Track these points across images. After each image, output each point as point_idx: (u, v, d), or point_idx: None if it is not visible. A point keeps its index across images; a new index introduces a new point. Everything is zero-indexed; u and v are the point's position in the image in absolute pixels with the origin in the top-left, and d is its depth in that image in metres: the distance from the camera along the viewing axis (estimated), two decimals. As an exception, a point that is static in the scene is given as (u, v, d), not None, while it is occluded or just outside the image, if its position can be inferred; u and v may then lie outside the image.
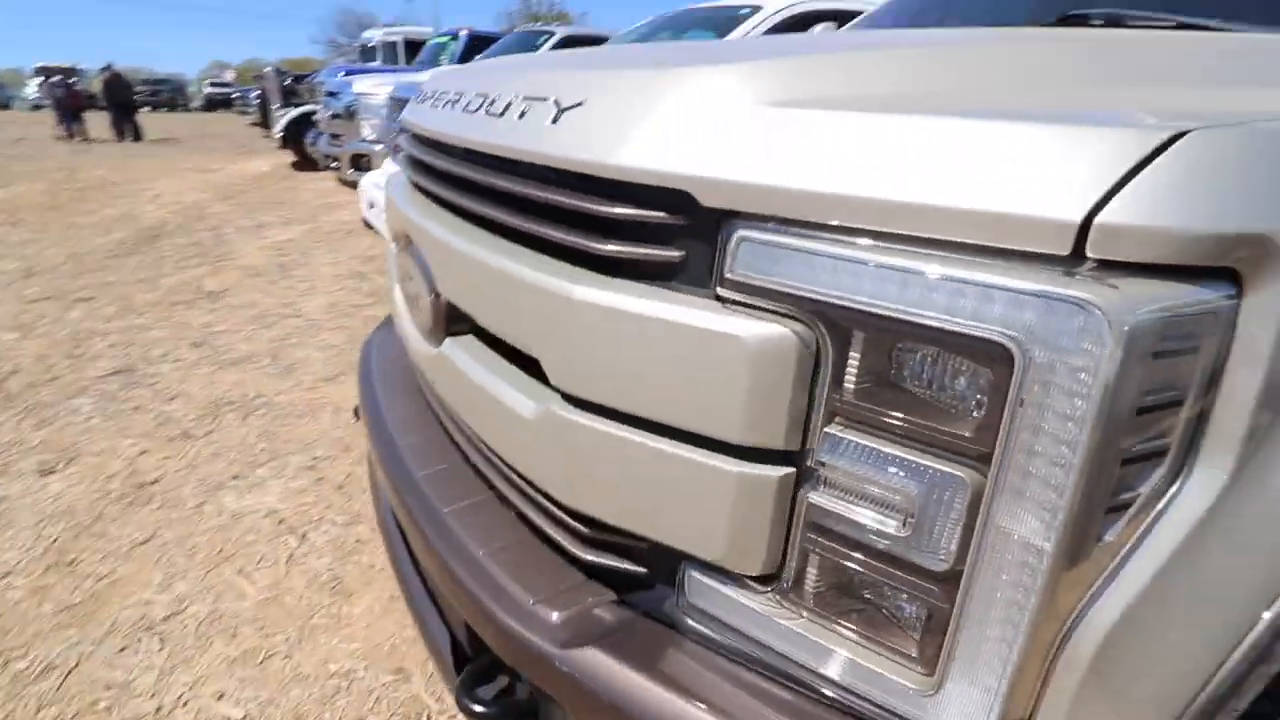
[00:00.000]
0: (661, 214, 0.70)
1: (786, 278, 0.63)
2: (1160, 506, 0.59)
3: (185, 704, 1.72)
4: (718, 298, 0.68)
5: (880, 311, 0.58)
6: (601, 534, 0.84)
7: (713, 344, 0.66)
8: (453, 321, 1.05)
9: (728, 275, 0.66)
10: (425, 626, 1.17)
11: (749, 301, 0.66)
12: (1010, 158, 0.54)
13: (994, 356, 0.54)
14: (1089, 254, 0.52)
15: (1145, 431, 0.55)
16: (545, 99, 0.87)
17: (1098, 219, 0.51)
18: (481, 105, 1.01)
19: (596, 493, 0.79)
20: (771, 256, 0.64)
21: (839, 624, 0.69)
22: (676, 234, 0.71)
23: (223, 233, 6.53)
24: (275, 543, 2.34)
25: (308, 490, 2.64)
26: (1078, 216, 0.51)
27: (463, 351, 1.02)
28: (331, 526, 2.43)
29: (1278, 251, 0.53)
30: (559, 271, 0.77)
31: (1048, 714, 0.62)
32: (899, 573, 0.63)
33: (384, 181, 1.61)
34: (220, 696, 1.75)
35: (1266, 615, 0.62)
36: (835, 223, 0.61)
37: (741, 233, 0.65)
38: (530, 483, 0.90)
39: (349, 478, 2.73)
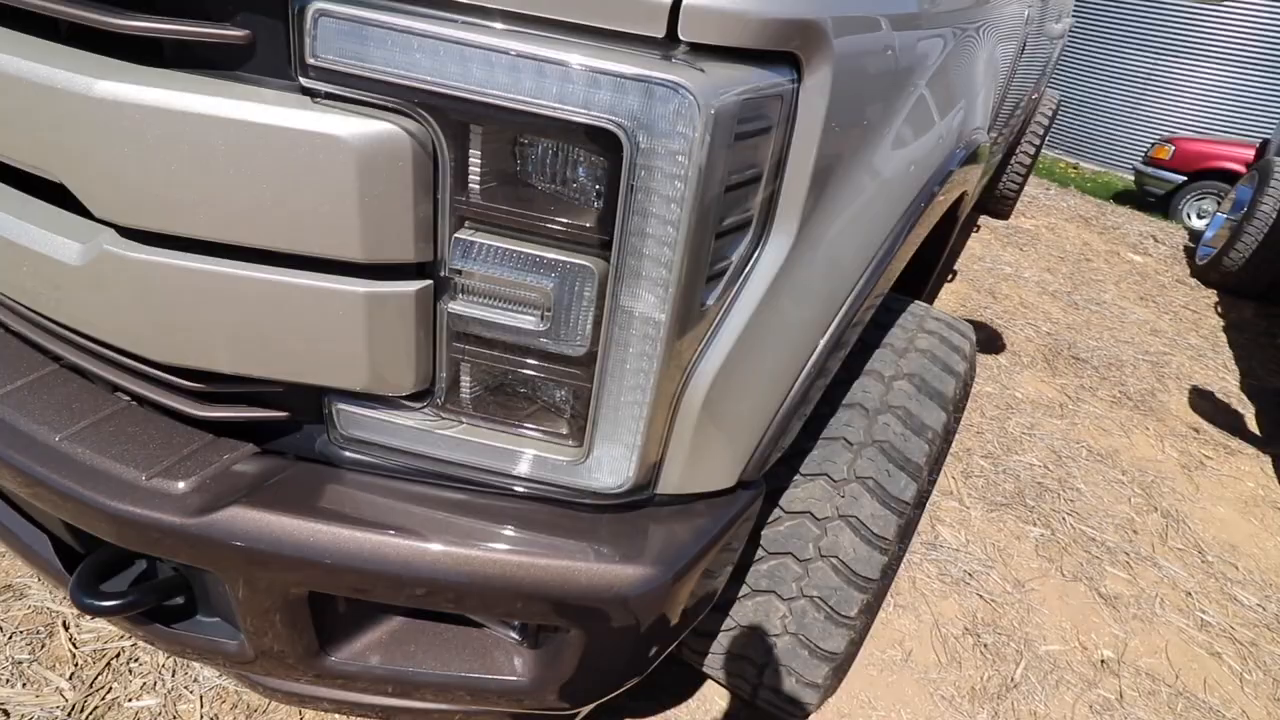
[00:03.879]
0: (201, -28, 0.53)
1: (383, 63, 0.54)
2: (747, 269, 0.69)
3: None
4: (304, 90, 0.56)
5: (491, 100, 0.54)
6: (220, 385, 0.72)
7: (308, 148, 0.55)
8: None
9: (310, 60, 0.54)
10: (12, 536, 0.94)
11: (343, 93, 0.55)
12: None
13: (604, 144, 0.54)
14: (681, 36, 0.53)
15: (733, 206, 0.62)
16: None
17: (686, 1, 0.51)
18: None
19: (197, 341, 0.66)
20: (360, 36, 0.53)
21: (496, 422, 0.72)
22: (232, 6, 0.55)
23: None
24: None
25: None
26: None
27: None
28: None
29: (826, 38, 0.60)
30: (65, 60, 0.56)
31: (675, 454, 0.74)
32: (544, 363, 0.66)
33: None
34: None
35: (822, 341, 0.81)
36: (427, -5, 0.52)
37: (319, 5, 0.53)
38: (100, 342, 0.72)
39: None
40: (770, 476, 1.07)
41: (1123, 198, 6.76)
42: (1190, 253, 4.66)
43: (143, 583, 0.85)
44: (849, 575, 1.03)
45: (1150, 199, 6.64)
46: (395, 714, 0.96)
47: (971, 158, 1.19)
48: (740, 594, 1.10)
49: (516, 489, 0.75)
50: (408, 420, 0.73)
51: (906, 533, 1.07)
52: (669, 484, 0.77)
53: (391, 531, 0.70)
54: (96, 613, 0.79)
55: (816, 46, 0.60)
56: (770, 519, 1.07)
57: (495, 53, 0.53)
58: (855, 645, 1.11)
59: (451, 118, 0.56)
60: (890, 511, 1.03)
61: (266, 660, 0.81)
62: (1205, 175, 6.23)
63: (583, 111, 0.53)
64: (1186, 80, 7.35)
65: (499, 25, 0.53)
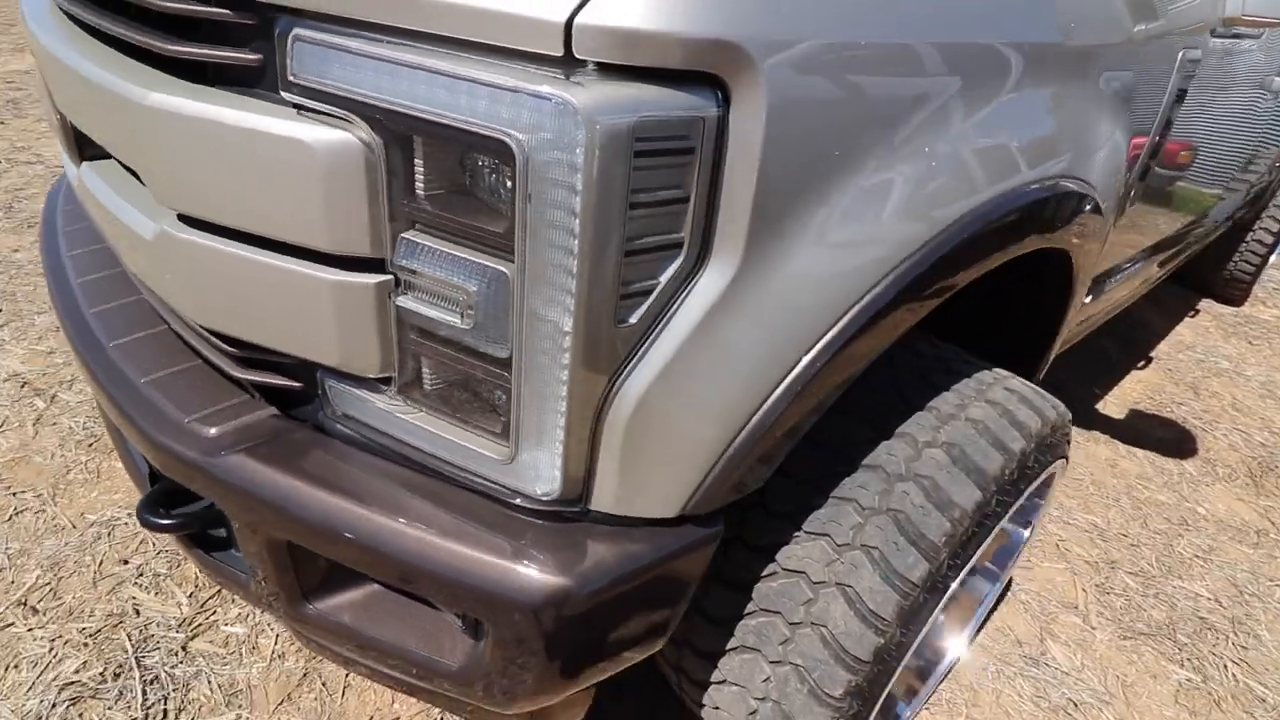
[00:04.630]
0: (225, 10, 0.66)
1: (338, 79, 0.63)
2: (684, 292, 0.69)
3: (-85, 566, 1.64)
4: (297, 107, 0.67)
5: (419, 113, 0.60)
6: (249, 351, 0.85)
7: (286, 151, 0.66)
8: (84, 144, 0.96)
9: (291, 78, 0.65)
10: (130, 458, 1.16)
11: (315, 106, 0.65)
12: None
13: (503, 154, 0.58)
14: (577, 55, 0.56)
15: (651, 226, 0.63)
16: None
17: (578, 20, 0.54)
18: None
19: (222, 310, 0.80)
20: (323, 56, 0.63)
21: (447, 413, 0.77)
22: (247, 34, 0.68)
23: (-71, 49, 5.26)
24: (19, 405, 2.16)
25: (57, 352, 2.41)
26: (560, 17, 0.54)
27: (96, 175, 0.94)
28: (87, 385, 2.26)
29: (751, 61, 0.59)
30: (135, 76, 0.72)
31: (605, 471, 0.75)
32: (475, 361, 0.71)
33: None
34: (-39, 554, 1.68)
35: (785, 382, 0.77)
36: (376, 22, 0.61)
37: (296, 31, 0.64)
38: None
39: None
40: (771, 529, 1.02)
41: None
42: None
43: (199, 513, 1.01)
44: (837, 650, 0.94)
45: None
46: (383, 680, 1.04)
47: (1065, 206, 1.05)
48: (729, 646, 1.05)
49: (463, 480, 0.80)
50: (379, 402, 0.81)
51: (912, 618, 0.95)
52: (603, 502, 0.77)
53: (347, 497, 0.78)
54: (149, 528, 0.95)
55: (740, 70, 0.59)
56: (765, 572, 1.01)
57: (410, 68, 0.59)
58: (844, 732, 1.00)
59: (386, 126, 0.63)
60: (892, 589, 0.93)
61: (262, 597, 0.93)
62: None
63: (479, 123, 0.57)
64: None
65: (426, 46, 0.60)
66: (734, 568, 1.03)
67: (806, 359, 0.76)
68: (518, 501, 0.77)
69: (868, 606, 0.93)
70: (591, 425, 0.71)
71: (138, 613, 1.60)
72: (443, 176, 0.66)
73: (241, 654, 1.54)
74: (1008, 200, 0.89)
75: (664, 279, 0.67)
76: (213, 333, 0.85)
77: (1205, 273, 3.58)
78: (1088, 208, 1.11)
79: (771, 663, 0.99)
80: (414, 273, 0.69)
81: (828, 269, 0.74)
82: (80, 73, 0.80)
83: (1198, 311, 3.62)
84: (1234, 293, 3.64)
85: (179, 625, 1.58)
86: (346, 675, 1.53)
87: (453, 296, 0.68)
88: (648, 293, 0.67)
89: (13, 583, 1.64)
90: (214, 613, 1.62)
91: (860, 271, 0.77)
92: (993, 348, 1.41)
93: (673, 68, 0.58)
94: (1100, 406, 2.73)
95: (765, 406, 0.76)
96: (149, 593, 1.64)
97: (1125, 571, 1.96)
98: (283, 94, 0.66)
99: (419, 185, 0.66)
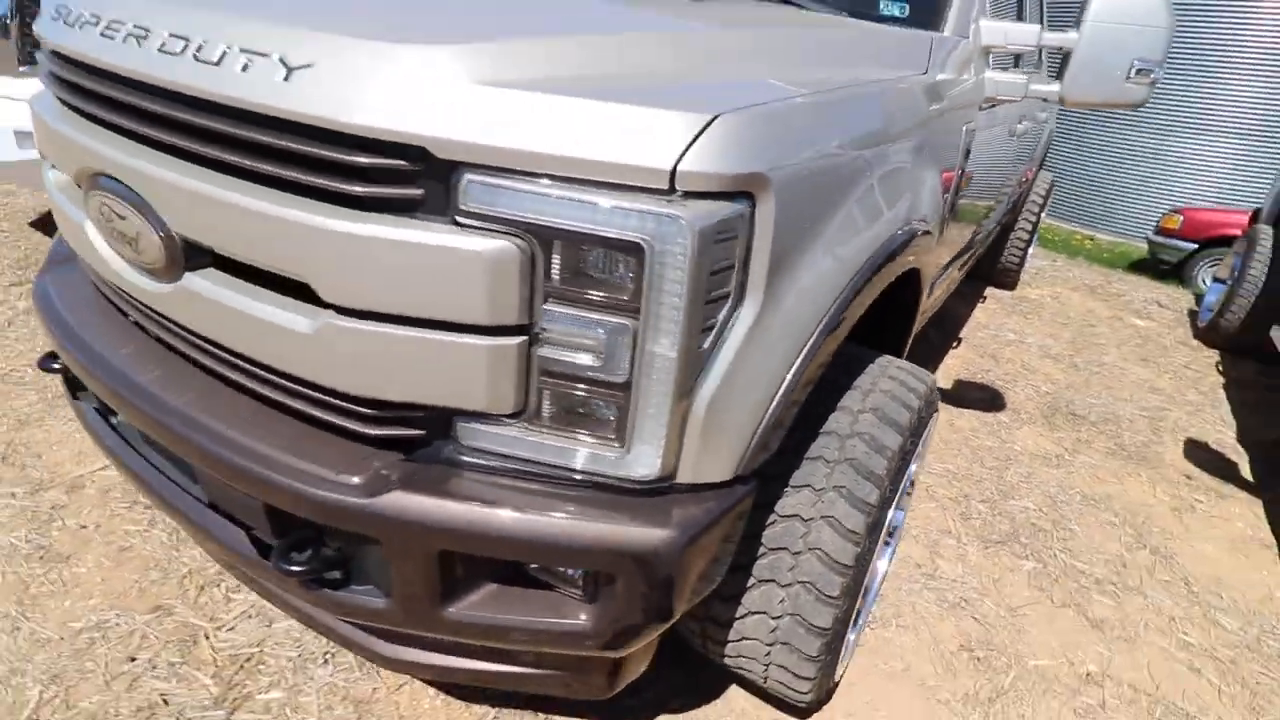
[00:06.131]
0: (404, 163, 0.94)
1: (503, 207, 0.93)
2: (730, 324, 1.05)
3: (-103, 707, 1.56)
4: (456, 223, 0.96)
5: (566, 227, 0.92)
6: (384, 411, 1.09)
7: (460, 257, 0.94)
8: (190, 257, 1.14)
9: (463, 207, 0.94)
10: (213, 536, 1.30)
11: (481, 225, 0.94)
12: (631, 129, 0.90)
13: (635, 250, 0.92)
14: (678, 187, 0.91)
15: (716, 285, 0.99)
16: (268, 55, 1.00)
17: (679, 168, 0.90)
18: (186, 48, 1.07)
19: (381, 379, 1.04)
20: (491, 193, 0.93)
21: (566, 432, 1.07)
22: (418, 177, 0.96)
23: None
24: (-61, 531, 2.04)
25: (-41, 468, 2.27)
26: (668, 167, 0.90)
27: (210, 283, 1.13)
28: (11, 500, 2.17)
29: (767, 181, 0.98)
30: (319, 209, 0.97)
31: (688, 453, 1.08)
32: (599, 389, 1.02)
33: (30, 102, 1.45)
34: (-55, 688, 1.62)
35: (788, 376, 1.15)
36: (530, 170, 0.92)
37: (469, 176, 0.93)
38: (311, 384, 1.10)
39: (10, 447, 2.39)
40: (768, 490, 1.40)
41: (1140, 266, 7.03)
42: (1194, 317, 4.89)
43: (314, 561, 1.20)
44: (830, 562, 1.33)
45: (1163, 266, 6.90)
46: (481, 678, 1.28)
47: (916, 239, 1.55)
48: (748, 585, 1.40)
49: (579, 479, 1.09)
50: (507, 432, 1.08)
51: (874, 529, 1.37)
52: (685, 475, 1.10)
53: (500, 506, 1.04)
54: (292, 575, 1.13)
55: (762, 187, 0.98)
56: (769, 521, 1.38)
57: (569, 200, 0.91)
58: (841, 624, 1.39)
59: (544, 236, 0.94)
60: (859, 511, 1.34)
61: (407, 611, 1.14)
62: (1216, 243, 6.48)
63: (618, 232, 0.91)
64: (1190, 153, 7.88)
65: (574, 185, 0.92)
66: (747, 524, 1.39)
67: (800, 359, 1.15)
68: (624, 485, 1.08)
69: (846, 527, 1.33)
70: (682, 421, 1.05)
71: (166, 703, 1.64)
72: (570, 266, 0.97)
73: (287, 715, 1.65)
74: (900, 237, 1.35)
75: (720, 317, 1.03)
76: (352, 399, 1.08)
77: (987, 266, 4.55)
78: (926, 236, 1.62)
79: (784, 586, 1.36)
80: (554, 332, 0.99)
81: (808, 300, 1.14)
82: (231, 202, 1.01)
83: (986, 298, 4.56)
84: (1008, 279, 4.64)
85: (214, 703, 1.65)
86: (398, 710, 1.68)
87: (584, 344, 0.99)
88: (712, 328, 1.02)
89: (14, 703, 1.61)
90: (244, 685, 1.70)
91: (826, 297, 1.18)
92: (871, 339, 1.91)
93: (728, 190, 0.95)
94: (933, 382, 3.44)
95: (778, 395, 1.14)
96: (170, 682, 1.69)
97: (976, 500, 2.57)
98: (456, 218, 0.95)
99: (554, 272, 0.97)
